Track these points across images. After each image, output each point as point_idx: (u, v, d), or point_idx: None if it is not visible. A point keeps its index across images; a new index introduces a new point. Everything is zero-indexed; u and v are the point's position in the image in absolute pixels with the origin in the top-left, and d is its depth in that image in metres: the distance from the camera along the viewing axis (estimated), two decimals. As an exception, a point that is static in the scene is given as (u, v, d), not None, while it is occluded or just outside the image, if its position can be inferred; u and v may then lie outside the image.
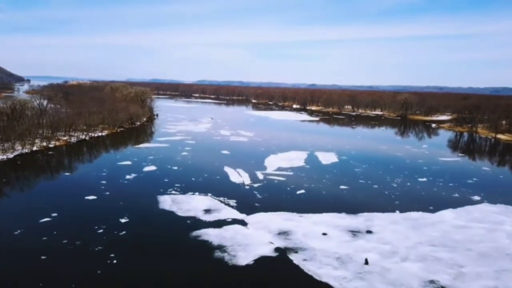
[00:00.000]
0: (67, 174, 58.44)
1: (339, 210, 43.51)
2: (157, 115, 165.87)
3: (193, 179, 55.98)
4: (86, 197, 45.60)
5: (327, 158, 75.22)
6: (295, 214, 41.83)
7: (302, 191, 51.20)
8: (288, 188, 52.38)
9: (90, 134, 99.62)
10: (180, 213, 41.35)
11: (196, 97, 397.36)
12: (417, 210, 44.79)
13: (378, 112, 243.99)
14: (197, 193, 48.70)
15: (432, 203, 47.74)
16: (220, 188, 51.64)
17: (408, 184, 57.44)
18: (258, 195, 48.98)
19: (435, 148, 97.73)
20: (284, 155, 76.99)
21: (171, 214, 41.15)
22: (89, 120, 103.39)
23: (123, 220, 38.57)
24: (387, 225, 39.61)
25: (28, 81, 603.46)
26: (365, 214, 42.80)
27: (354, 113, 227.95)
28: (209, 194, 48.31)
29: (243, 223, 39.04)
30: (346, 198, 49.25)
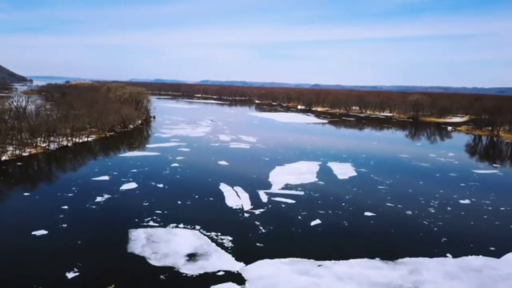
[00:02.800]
0: (25, 194, 47.30)
1: (370, 253, 32.12)
2: (153, 117, 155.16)
3: (179, 202, 44.74)
4: (34, 232, 34.50)
5: (343, 170, 63.80)
6: (311, 261, 30.44)
7: (317, 221, 39.78)
8: (299, 217, 41.00)
9: (74, 139, 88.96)
10: (154, 260, 30.09)
11: (198, 98, 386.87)
12: (475, 252, 33.30)
13: (387, 113, 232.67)
14: (181, 225, 37.45)
15: (490, 240, 36.25)
16: (212, 217, 40.40)
17: (449, 208, 45.87)
18: (261, 228, 37.63)
19: (462, 156, 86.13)
20: (292, 167, 65.66)
21: (141, 262, 29.90)
22: (73, 123, 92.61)
23: (70, 275, 27.37)
24: (441, 280, 28.19)
25: (31, 81, 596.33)
26: (407, 260, 31.37)
27: (362, 115, 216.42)
28: (197, 227, 37.04)
29: (239, 279, 27.67)
30: (376, 233, 37.79)
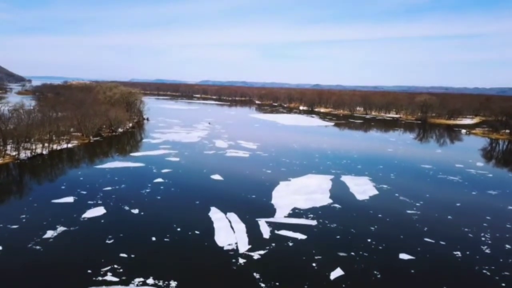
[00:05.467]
0: (-43, 226, 36.62)
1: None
2: (147, 119, 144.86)
3: (154, 239, 33.96)
4: None
5: (361, 187, 53.00)
6: None
7: (339, 271, 28.95)
8: (314, 264, 30.16)
9: (52, 146, 78.50)
10: None
11: (198, 98, 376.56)
12: None
13: (393, 114, 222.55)
14: (151, 280, 26.70)
15: None
16: (196, 265, 29.59)
17: (508, 246, 35.01)
18: (261, 285, 26.84)
19: (493, 167, 75.76)
20: (299, 182, 54.84)
21: None
22: (51, 128, 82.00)
23: None
24: None
25: (29, 81, 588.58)
26: None
27: (368, 116, 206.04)
28: (172, 285, 26.32)
29: None
30: (424, 292, 27.02)
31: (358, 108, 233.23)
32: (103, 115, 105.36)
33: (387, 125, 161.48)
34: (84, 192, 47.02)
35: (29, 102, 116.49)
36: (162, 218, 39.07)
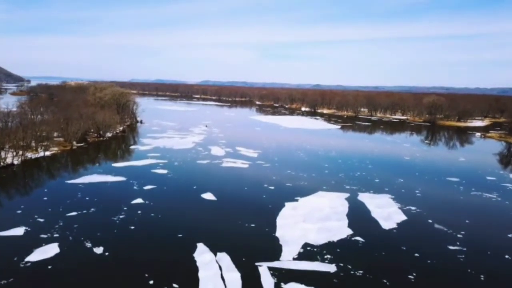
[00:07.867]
0: None
1: None
2: (140, 121, 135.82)
3: (113, 301, 24.45)
4: None
5: (384, 210, 43.36)
6: None
7: None
8: None
9: (27, 154, 69.22)
10: None
11: (197, 99, 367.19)
12: None
13: (399, 116, 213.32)
14: None
15: None
16: None
17: None
18: None
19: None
20: (308, 204, 45.17)
21: None
22: (25, 133, 72.65)
23: None
24: None
25: (28, 81, 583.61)
26: None
27: (373, 118, 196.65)
28: None
29: None
30: None
31: (362, 109, 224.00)
32: (90, 118, 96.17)
33: (396, 127, 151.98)
34: (41, 220, 37.50)
35: (7, 104, 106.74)
36: (132, 263, 29.45)
